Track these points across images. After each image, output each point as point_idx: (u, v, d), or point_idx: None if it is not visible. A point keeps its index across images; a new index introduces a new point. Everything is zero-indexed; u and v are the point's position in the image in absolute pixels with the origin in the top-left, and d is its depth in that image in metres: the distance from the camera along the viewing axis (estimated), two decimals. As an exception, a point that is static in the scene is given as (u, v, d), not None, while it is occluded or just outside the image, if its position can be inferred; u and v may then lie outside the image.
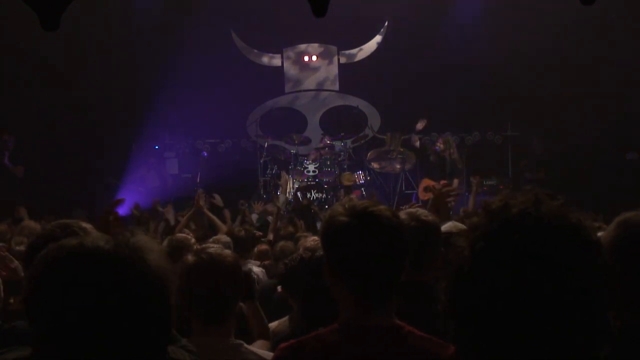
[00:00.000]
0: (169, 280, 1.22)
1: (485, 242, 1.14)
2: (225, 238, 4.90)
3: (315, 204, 10.41)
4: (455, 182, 10.40)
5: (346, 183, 8.13)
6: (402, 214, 2.81)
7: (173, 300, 1.23)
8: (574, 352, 1.09)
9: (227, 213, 8.36)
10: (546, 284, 1.08)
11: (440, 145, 10.15)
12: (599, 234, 2.02)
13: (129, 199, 9.89)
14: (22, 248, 4.80)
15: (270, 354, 2.48)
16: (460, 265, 1.16)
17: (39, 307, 1.14)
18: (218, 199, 8.11)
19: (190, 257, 2.48)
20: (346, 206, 1.87)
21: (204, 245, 2.63)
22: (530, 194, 1.16)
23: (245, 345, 2.45)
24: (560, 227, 1.12)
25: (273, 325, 3.15)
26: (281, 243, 5.42)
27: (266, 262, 5.48)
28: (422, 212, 2.77)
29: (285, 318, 3.12)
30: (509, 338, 1.09)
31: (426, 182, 10.44)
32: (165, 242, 4.29)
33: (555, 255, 1.09)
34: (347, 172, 9.24)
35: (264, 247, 5.84)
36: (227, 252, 2.52)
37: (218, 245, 2.74)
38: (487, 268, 1.11)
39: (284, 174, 11.35)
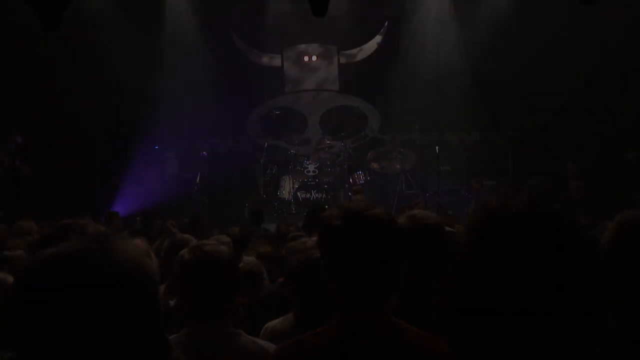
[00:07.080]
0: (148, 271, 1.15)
1: (481, 242, 1.14)
2: (225, 238, 4.92)
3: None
4: None
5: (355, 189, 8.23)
6: (402, 217, 2.83)
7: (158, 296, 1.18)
8: (566, 351, 1.09)
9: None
10: (538, 283, 1.08)
11: (474, 185, 10.99)
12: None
13: (129, 199, 9.85)
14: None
15: (269, 344, 2.50)
16: (454, 264, 1.17)
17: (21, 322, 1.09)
18: None
19: (186, 254, 2.48)
20: (341, 209, 1.90)
21: (200, 242, 2.64)
22: (525, 195, 1.17)
23: (244, 334, 2.46)
24: (554, 227, 1.12)
25: (273, 323, 3.14)
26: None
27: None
28: (422, 214, 2.79)
29: (288, 315, 3.12)
30: (498, 338, 1.10)
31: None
32: (166, 243, 4.29)
33: (548, 256, 1.09)
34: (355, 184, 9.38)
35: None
36: (223, 248, 2.53)
37: (214, 242, 2.74)
38: (479, 267, 1.12)
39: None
